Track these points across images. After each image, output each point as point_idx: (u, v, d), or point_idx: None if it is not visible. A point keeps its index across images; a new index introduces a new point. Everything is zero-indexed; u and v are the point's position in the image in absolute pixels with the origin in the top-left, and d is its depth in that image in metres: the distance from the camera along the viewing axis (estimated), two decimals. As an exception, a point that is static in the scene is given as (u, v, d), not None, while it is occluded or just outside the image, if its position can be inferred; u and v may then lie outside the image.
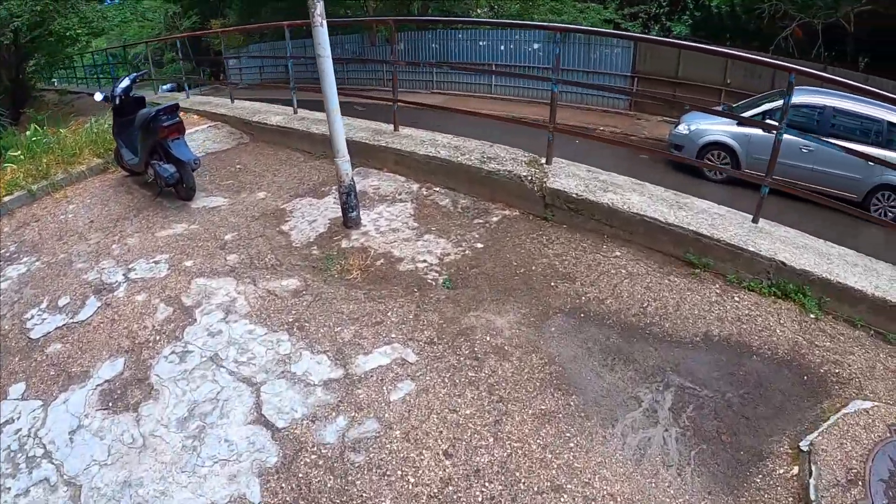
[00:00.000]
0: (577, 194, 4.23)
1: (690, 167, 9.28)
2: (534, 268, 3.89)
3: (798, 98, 8.32)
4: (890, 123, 7.86)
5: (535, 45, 15.02)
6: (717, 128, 8.82)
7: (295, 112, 7.28)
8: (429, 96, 15.20)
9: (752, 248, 3.69)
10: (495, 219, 4.50)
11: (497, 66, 15.71)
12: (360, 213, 4.62)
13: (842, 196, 8.33)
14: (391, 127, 5.94)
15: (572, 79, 14.34)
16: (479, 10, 25.25)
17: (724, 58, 11.61)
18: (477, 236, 4.28)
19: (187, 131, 5.43)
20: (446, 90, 16.79)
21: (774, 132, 3.79)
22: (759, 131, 8.51)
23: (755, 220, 4.08)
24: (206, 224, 4.82)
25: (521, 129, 5.57)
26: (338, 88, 4.22)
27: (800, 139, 8.46)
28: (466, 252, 4.11)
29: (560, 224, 4.37)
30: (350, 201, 4.44)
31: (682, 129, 9.64)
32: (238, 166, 6.24)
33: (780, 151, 3.78)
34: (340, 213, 4.57)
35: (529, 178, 4.50)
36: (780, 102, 8.50)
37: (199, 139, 6.99)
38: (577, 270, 3.84)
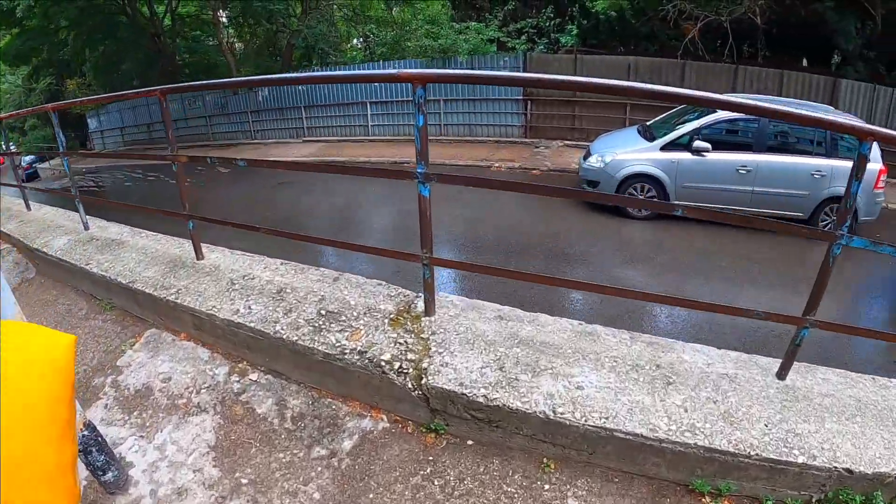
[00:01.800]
0: (486, 397, 2.25)
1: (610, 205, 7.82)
2: (424, 584, 1.97)
3: (729, 112, 7.02)
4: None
5: (411, 77, 13.32)
6: (639, 156, 7.36)
7: (85, 228, 4.90)
8: (300, 146, 13.13)
9: (801, 461, 2.00)
10: (349, 444, 2.48)
11: (372, 102, 13.92)
12: (134, 449, 2.58)
13: (787, 216, 7.14)
14: (193, 253, 3.85)
15: (456, 109, 12.88)
16: (354, 41, 23.86)
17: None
18: (318, 497, 2.30)
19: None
20: (320, 136, 14.81)
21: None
22: (687, 156, 7.12)
23: (782, 376, 2.41)
24: None
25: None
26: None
27: (736, 159, 7.25)
28: (294, 555, 2.12)
29: (462, 440, 2.43)
30: (96, 461, 2.34)
31: (595, 161, 8.04)
32: None
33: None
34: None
35: (398, 364, 2.48)
36: (706, 119, 7.19)
37: (-27, 278, 4.64)
38: (508, 574, 1.96)
